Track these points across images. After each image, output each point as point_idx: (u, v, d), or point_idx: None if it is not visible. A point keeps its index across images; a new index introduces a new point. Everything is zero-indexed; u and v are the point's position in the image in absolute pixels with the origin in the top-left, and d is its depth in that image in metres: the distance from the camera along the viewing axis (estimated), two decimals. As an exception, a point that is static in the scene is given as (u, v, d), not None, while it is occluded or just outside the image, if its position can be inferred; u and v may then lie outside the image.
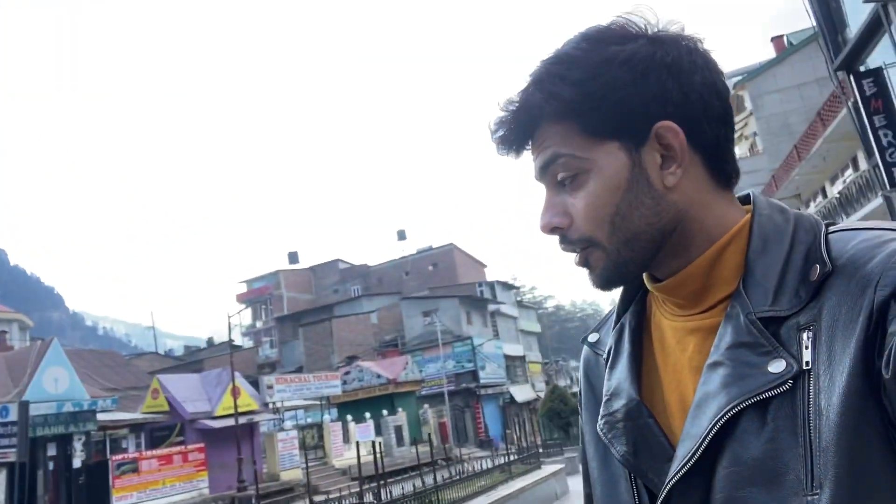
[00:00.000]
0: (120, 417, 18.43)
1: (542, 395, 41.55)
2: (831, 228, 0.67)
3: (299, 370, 34.73)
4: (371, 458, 12.90)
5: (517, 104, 0.72)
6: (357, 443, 15.26)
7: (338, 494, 11.41)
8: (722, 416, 0.61)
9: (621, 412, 0.73)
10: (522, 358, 45.28)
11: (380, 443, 20.43)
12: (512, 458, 14.05)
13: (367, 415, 25.45)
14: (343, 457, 22.90)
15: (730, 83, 35.95)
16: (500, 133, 0.74)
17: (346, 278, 58.10)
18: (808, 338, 0.60)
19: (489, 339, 38.60)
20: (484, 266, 60.24)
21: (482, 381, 35.78)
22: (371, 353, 36.77)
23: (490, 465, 13.22)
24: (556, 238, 0.73)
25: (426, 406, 29.68)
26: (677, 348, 0.72)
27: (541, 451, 16.10)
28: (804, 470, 0.57)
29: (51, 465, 16.04)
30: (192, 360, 42.96)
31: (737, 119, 34.28)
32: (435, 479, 10.82)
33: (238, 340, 42.79)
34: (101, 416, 17.19)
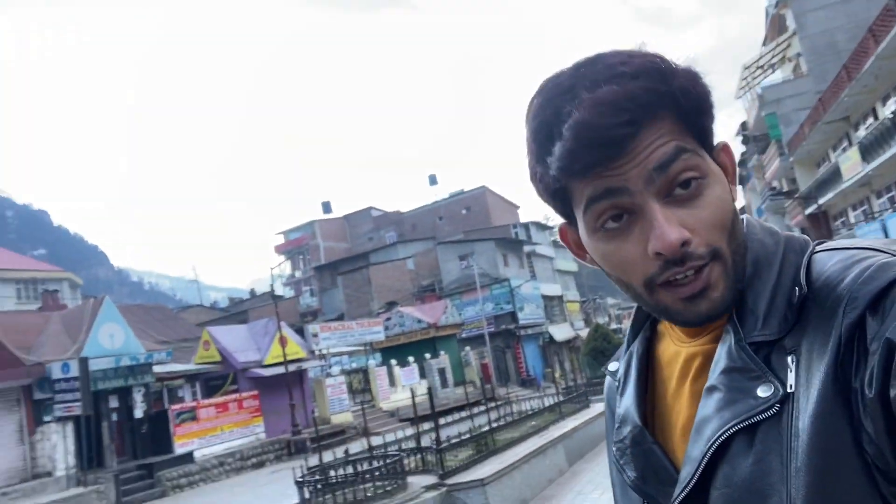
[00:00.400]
0: (175, 369, 19.11)
1: (581, 333, 41.74)
2: (818, 248, 0.68)
3: (340, 318, 35.41)
4: (421, 399, 13.15)
5: (626, 94, 0.63)
6: (411, 387, 15.60)
7: (393, 437, 11.72)
8: (715, 441, 0.63)
9: (628, 438, 0.75)
10: (560, 297, 45.32)
11: (428, 385, 20.85)
12: (560, 398, 14.15)
13: (411, 359, 25.93)
14: (390, 399, 23.50)
15: (771, 2, 34.03)
16: (617, 122, 0.63)
17: (379, 225, 58.37)
18: (792, 361, 0.61)
19: (526, 280, 38.61)
20: (517, 207, 59.80)
21: (521, 322, 36.01)
22: (409, 299, 37.20)
23: (539, 406, 13.35)
24: (662, 262, 0.65)
25: (468, 348, 30.09)
26: (680, 374, 0.73)
27: (587, 389, 16.18)
28: (785, 491, 0.58)
29: (114, 417, 16.79)
30: (237, 311, 44.16)
31: (779, 40, 32.73)
32: (489, 420, 11.01)
33: (279, 290, 43.71)
34: (157, 369, 17.82)
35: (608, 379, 0.87)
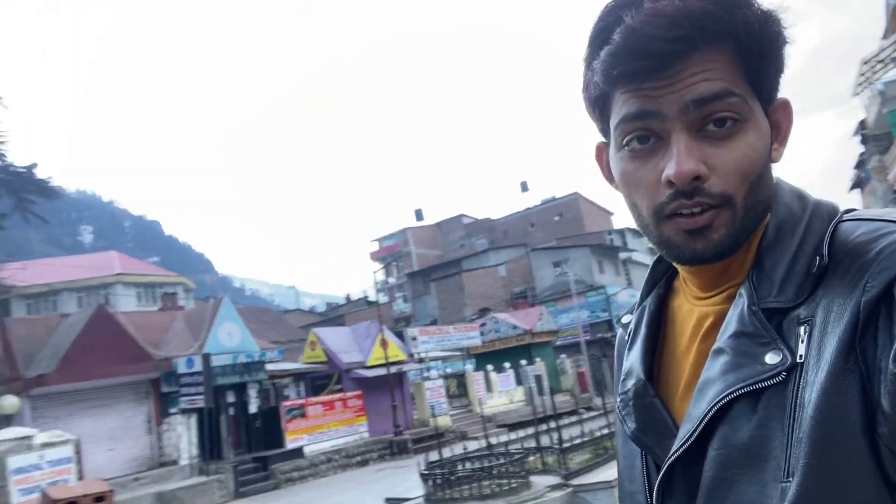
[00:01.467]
0: (285, 367, 19.99)
1: (680, 343, 40.04)
2: (845, 217, 0.66)
3: (433, 323, 35.83)
4: (517, 405, 13.03)
5: (685, 10, 0.61)
6: (529, 387, 15.45)
7: (496, 440, 11.71)
8: (718, 402, 0.62)
9: (632, 391, 0.75)
10: (657, 306, 43.74)
11: (528, 389, 20.69)
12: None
13: (507, 364, 25.87)
14: (487, 404, 23.52)
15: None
16: (667, 35, 0.60)
17: (471, 232, 58.71)
18: (805, 331, 0.60)
19: (623, 287, 37.64)
20: (610, 214, 58.46)
21: (618, 331, 35.12)
22: (502, 305, 37.13)
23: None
24: (676, 189, 0.64)
25: (563, 356, 29.66)
26: (692, 332, 0.73)
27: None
28: (784, 458, 0.58)
29: (231, 411, 17.75)
30: (334, 315, 45.63)
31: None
32: (608, 424, 10.81)
33: (372, 296, 44.77)
34: (268, 367, 18.71)
35: (619, 331, 0.86)
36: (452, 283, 41.03)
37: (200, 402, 16.31)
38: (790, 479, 0.56)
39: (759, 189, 0.65)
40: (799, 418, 0.57)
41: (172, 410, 16.81)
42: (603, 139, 0.75)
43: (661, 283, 0.80)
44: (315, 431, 18.21)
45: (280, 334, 26.72)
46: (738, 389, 0.61)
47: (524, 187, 59.67)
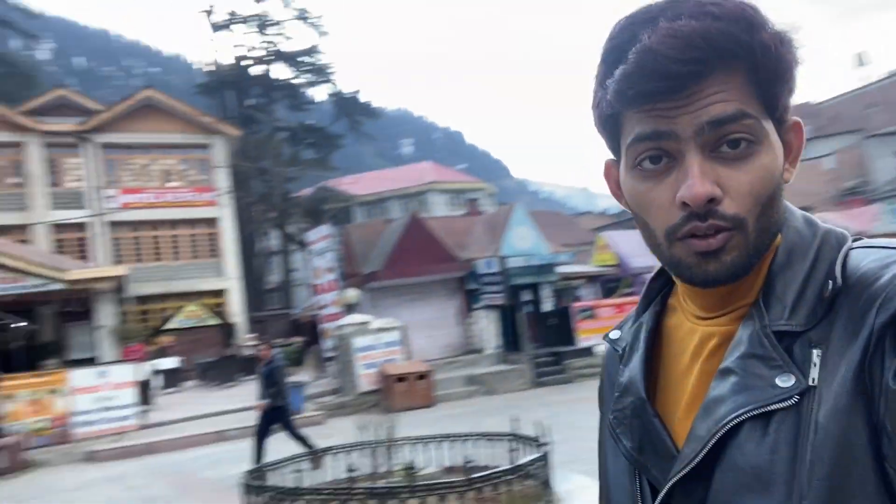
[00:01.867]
0: (575, 270, 20.61)
1: None
2: (855, 244, 0.67)
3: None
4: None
5: (702, 31, 0.60)
6: None
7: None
8: (727, 423, 0.62)
9: (629, 409, 0.73)
10: None
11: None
12: None
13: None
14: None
15: None
16: (683, 57, 0.59)
17: (787, 121, 51.13)
18: (818, 355, 0.60)
19: None
20: None
21: None
22: (827, 204, 32.20)
23: None
24: (690, 212, 0.63)
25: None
26: (694, 351, 0.71)
27: None
28: (795, 482, 0.58)
29: (527, 308, 19.10)
30: (626, 217, 44.84)
31: None
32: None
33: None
34: (559, 269, 19.48)
35: (607, 347, 0.84)
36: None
37: (499, 299, 17.88)
38: (802, 503, 0.57)
39: (770, 211, 0.65)
40: (811, 441, 0.57)
41: (476, 306, 18.76)
42: (612, 157, 0.75)
43: (656, 301, 0.79)
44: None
45: (571, 237, 27.40)
46: (749, 411, 0.61)
47: (861, 60, 49.28)
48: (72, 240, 23.55)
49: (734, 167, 0.63)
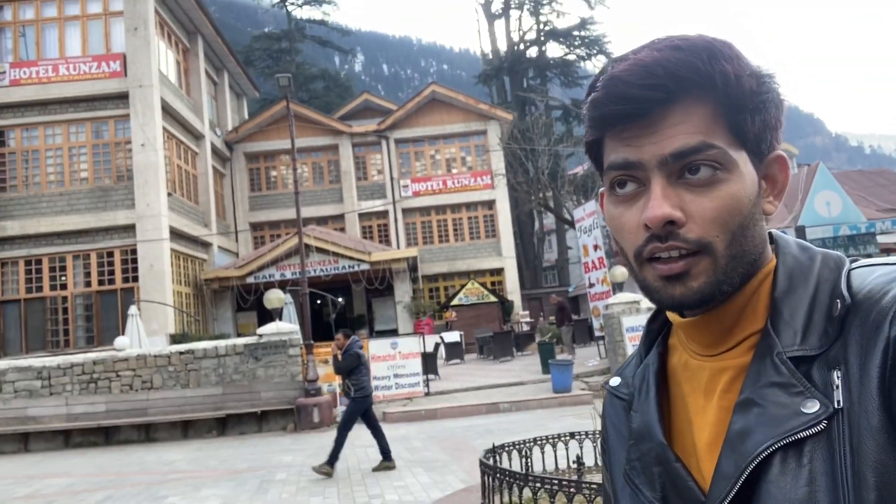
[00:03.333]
0: (904, 240, 16.85)
1: None
2: (854, 265, 0.68)
3: None
4: None
5: (662, 60, 0.63)
6: None
7: None
8: (757, 456, 0.61)
9: (649, 456, 0.71)
10: None
11: None
12: None
13: None
14: None
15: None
16: (642, 83, 0.63)
17: None
18: (838, 376, 0.60)
19: None
20: None
21: None
22: None
23: None
24: (650, 233, 0.65)
25: None
26: (706, 388, 0.70)
27: None
28: None
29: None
30: None
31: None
32: None
33: None
34: (880, 239, 16.11)
35: (608, 396, 0.84)
36: None
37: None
38: None
39: (743, 240, 0.65)
40: (855, 466, 0.55)
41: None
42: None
43: (658, 342, 0.78)
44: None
45: (900, 199, 22.40)
46: (778, 440, 0.59)
47: None
48: (376, 226, 27.01)
49: (699, 193, 0.64)
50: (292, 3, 51.87)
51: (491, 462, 4.66)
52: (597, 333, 16.56)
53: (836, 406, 0.58)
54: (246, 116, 30.64)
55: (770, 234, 0.73)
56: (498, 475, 4.04)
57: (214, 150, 24.81)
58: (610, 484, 0.81)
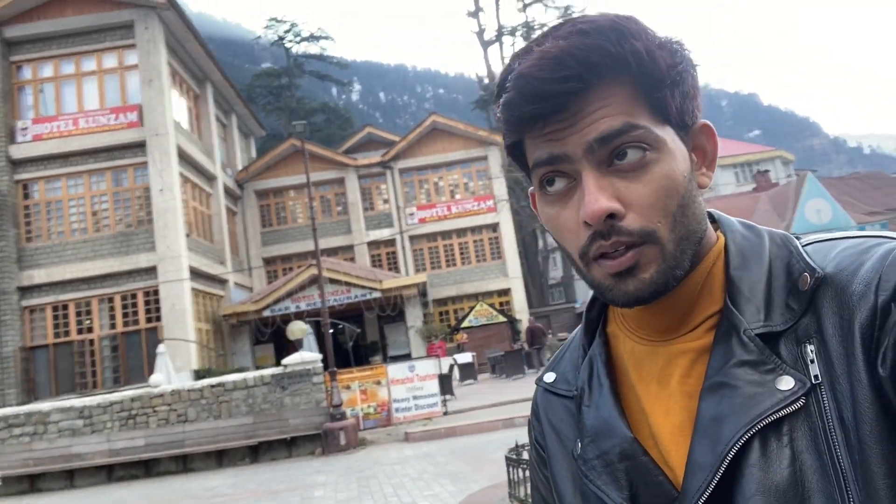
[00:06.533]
0: None
1: None
2: (803, 241, 0.66)
3: None
4: None
5: (569, 49, 0.60)
6: None
7: None
8: (736, 441, 0.56)
9: (613, 453, 0.65)
10: None
11: None
12: None
13: None
14: None
15: None
16: (554, 76, 0.60)
17: None
18: (812, 350, 0.57)
19: None
20: None
21: None
22: None
23: None
24: (593, 231, 0.62)
25: None
26: (661, 375, 0.66)
27: None
28: (837, 490, 0.53)
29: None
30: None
31: None
32: None
33: None
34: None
35: (539, 391, 0.78)
36: None
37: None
38: None
39: (685, 220, 0.63)
40: (843, 441, 0.53)
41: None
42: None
43: (599, 331, 0.75)
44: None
45: (891, 200, 23.11)
46: (757, 422, 0.56)
47: None
48: (384, 254, 27.83)
49: (632, 179, 0.61)
50: (290, 41, 53.39)
51: (515, 457, 5.35)
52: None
53: (812, 381, 0.56)
54: (254, 155, 31.73)
55: (710, 213, 0.70)
56: (523, 466, 4.75)
57: (227, 190, 25.77)
58: (550, 490, 0.75)
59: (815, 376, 0.56)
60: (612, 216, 0.61)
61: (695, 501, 0.58)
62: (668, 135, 0.63)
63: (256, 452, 13.17)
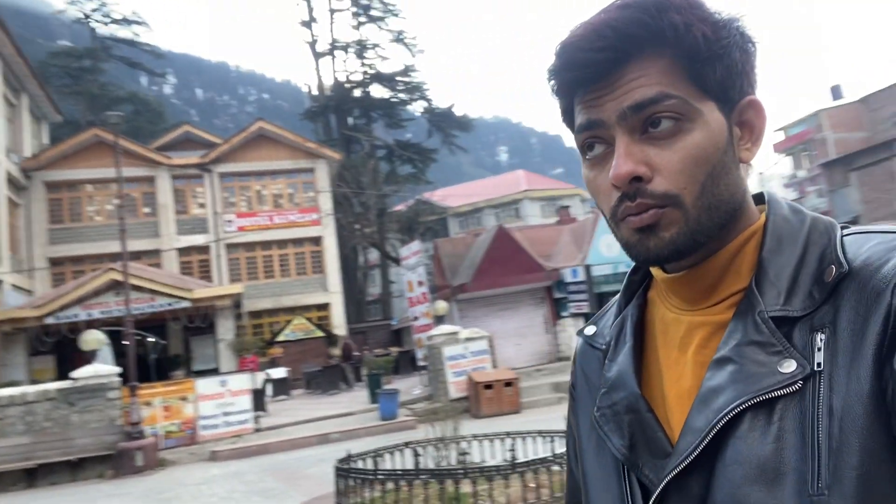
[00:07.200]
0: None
1: None
2: (845, 231, 0.66)
3: (854, 221, 30.78)
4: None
5: (609, 21, 0.64)
6: None
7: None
8: (729, 412, 0.60)
9: (621, 405, 0.71)
10: None
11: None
12: None
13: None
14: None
15: None
16: (593, 46, 0.64)
17: (912, 104, 47.02)
18: (822, 339, 0.59)
19: None
20: None
21: None
22: (955, 194, 29.46)
23: None
24: (622, 192, 0.66)
25: None
26: (681, 343, 0.70)
27: None
28: (810, 471, 0.55)
29: (616, 316, 19.12)
30: (732, 217, 42.76)
31: None
32: None
33: (779, 192, 40.42)
34: (649, 276, 19.35)
35: (581, 342, 0.84)
36: (881, 170, 34.12)
37: (585, 307, 18.12)
38: (824, 492, 0.54)
39: (715, 189, 0.65)
40: (827, 428, 0.56)
41: (564, 314, 19.08)
42: None
43: (639, 294, 0.79)
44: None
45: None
46: (750, 398, 0.59)
47: None
48: (196, 262, 26.14)
49: (663, 146, 0.63)
50: (98, 21, 48.39)
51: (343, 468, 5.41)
52: (420, 363, 17.80)
53: (814, 368, 0.58)
54: (46, 141, 28.14)
55: (762, 194, 0.71)
56: (352, 475, 4.85)
57: (10, 178, 22.57)
58: (575, 430, 0.82)
59: (818, 364, 0.58)
60: (639, 179, 0.64)
61: (682, 459, 0.62)
62: (706, 107, 0.65)
63: (34, 477, 11.63)
